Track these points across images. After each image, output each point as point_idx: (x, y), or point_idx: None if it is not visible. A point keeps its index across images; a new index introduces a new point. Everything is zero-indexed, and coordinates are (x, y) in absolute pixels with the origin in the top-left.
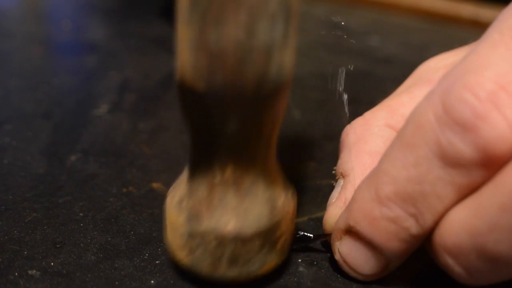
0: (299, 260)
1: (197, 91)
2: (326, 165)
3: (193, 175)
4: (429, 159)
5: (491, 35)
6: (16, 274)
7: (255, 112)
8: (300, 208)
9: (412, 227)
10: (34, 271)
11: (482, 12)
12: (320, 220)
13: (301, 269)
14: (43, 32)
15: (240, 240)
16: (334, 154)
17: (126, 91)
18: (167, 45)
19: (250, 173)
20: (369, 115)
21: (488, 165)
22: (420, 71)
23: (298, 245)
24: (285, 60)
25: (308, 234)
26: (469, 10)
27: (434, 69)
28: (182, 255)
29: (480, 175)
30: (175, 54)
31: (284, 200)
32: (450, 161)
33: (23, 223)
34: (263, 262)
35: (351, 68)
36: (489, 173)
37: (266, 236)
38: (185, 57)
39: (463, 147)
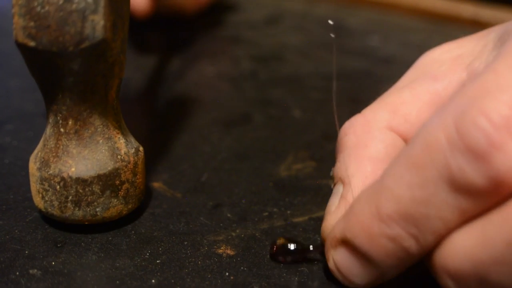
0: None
1: (28, 48)
2: (326, 165)
3: (46, 129)
4: (436, 182)
5: (510, 53)
6: (17, 273)
7: (83, 68)
8: (300, 207)
9: (412, 247)
10: (35, 270)
11: (482, 12)
12: (320, 219)
13: (302, 268)
14: None
15: (81, 182)
16: (334, 154)
17: (126, 91)
18: (167, 45)
19: (89, 125)
20: (369, 114)
21: (498, 194)
22: (423, 63)
23: (297, 257)
24: (98, 22)
25: (306, 245)
26: (469, 10)
27: (438, 62)
28: (37, 200)
29: (488, 202)
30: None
31: (126, 152)
32: (459, 187)
33: (24, 223)
34: (106, 206)
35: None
36: (497, 200)
37: (106, 181)
38: (17, 20)
39: (474, 175)
